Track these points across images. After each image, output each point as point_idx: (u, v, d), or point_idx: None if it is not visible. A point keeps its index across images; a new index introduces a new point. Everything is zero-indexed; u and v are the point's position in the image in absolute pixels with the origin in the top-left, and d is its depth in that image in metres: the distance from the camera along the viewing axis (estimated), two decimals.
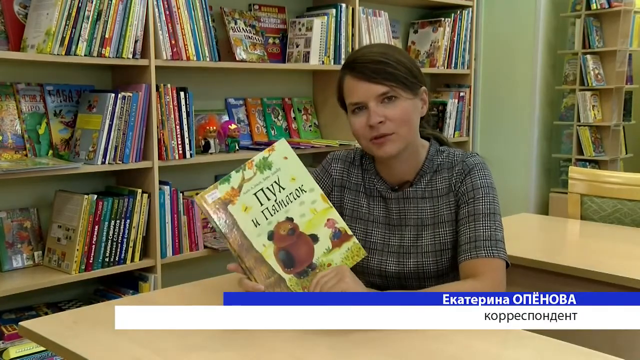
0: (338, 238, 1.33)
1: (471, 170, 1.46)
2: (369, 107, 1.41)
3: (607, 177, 2.38)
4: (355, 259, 1.35)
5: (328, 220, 1.32)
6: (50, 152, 2.43)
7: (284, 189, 1.30)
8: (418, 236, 1.49)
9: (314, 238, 1.31)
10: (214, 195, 1.25)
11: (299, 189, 1.31)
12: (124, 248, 2.45)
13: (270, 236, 1.28)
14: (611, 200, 2.33)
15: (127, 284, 2.57)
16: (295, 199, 1.30)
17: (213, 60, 2.69)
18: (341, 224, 1.34)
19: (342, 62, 3.10)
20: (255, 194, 1.27)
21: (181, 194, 2.67)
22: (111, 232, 2.41)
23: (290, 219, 1.30)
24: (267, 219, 1.28)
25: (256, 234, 1.27)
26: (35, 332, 1.27)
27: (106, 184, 2.63)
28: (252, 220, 1.27)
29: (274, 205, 1.28)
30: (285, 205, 1.29)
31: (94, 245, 2.36)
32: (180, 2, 2.57)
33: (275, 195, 1.29)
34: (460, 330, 1.26)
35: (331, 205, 1.34)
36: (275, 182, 1.29)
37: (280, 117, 3.22)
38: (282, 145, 1.32)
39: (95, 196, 2.36)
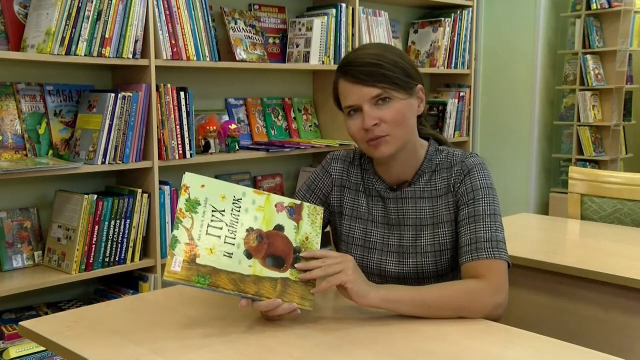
0: (294, 213, 1.34)
1: (470, 171, 1.46)
2: (363, 110, 1.41)
3: (607, 177, 2.38)
4: (318, 217, 1.36)
5: (276, 205, 1.33)
6: (50, 152, 2.43)
7: (223, 211, 1.28)
8: (417, 236, 1.49)
9: (279, 228, 1.32)
10: (178, 262, 1.22)
11: (235, 201, 1.30)
12: (124, 248, 2.45)
13: (248, 255, 1.27)
14: (611, 200, 2.32)
15: (127, 284, 2.57)
16: (239, 211, 1.29)
17: (213, 60, 2.69)
18: (287, 200, 1.35)
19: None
20: (207, 233, 1.26)
21: None
22: (111, 232, 2.41)
23: (250, 229, 1.29)
24: (233, 244, 1.27)
25: (237, 262, 1.26)
26: (35, 332, 1.27)
27: (106, 183, 2.63)
28: (224, 255, 1.25)
29: (229, 230, 1.27)
30: (237, 222, 1.29)
31: (94, 245, 2.36)
32: (180, 2, 2.57)
33: (222, 221, 1.27)
34: (461, 330, 1.26)
35: (267, 193, 1.34)
36: (212, 211, 1.27)
37: (280, 117, 3.23)
38: (191, 179, 1.29)
39: (95, 196, 2.36)
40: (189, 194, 1.27)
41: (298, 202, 1.36)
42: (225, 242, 1.26)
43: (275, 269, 1.28)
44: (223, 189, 1.30)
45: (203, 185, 1.29)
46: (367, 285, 1.31)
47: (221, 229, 1.27)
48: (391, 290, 1.33)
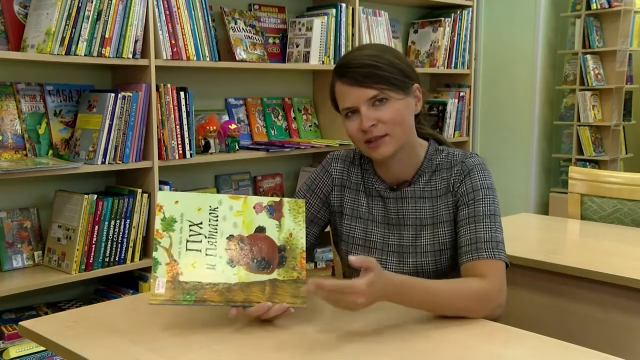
0: (274, 211, 1.32)
1: (471, 171, 1.46)
2: (360, 111, 1.41)
3: (607, 177, 2.38)
4: (300, 210, 1.34)
5: (254, 207, 1.31)
6: (50, 152, 2.43)
7: (201, 223, 1.27)
8: (417, 236, 1.49)
9: (261, 229, 1.30)
10: (161, 283, 1.22)
11: (211, 211, 1.29)
12: (124, 248, 2.45)
13: (231, 263, 1.27)
14: (611, 200, 2.33)
15: (127, 284, 2.57)
16: (217, 220, 1.28)
17: (213, 60, 2.69)
18: (266, 200, 1.32)
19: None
20: (187, 249, 1.25)
21: None
22: (111, 232, 2.41)
23: (230, 237, 1.28)
24: (214, 256, 1.26)
25: (220, 272, 1.25)
26: (35, 332, 1.27)
27: (106, 183, 2.63)
28: (207, 268, 1.25)
29: (208, 241, 1.26)
30: (216, 232, 1.27)
31: (94, 245, 2.36)
32: (180, 2, 2.57)
33: (200, 234, 1.26)
34: (461, 330, 1.26)
35: (244, 196, 1.32)
36: (190, 225, 1.26)
37: (280, 117, 3.22)
38: (165, 197, 1.28)
39: (95, 196, 2.36)
40: (163, 213, 1.26)
41: (277, 199, 1.33)
42: (206, 255, 1.25)
43: (262, 272, 1.27)
44: (198, 202, 1.29)
45: (177, 202, 1.28)
46: (378, 296, 1.23)
47: (200, 242, 1.26)
48: (397, 298, 1.28)
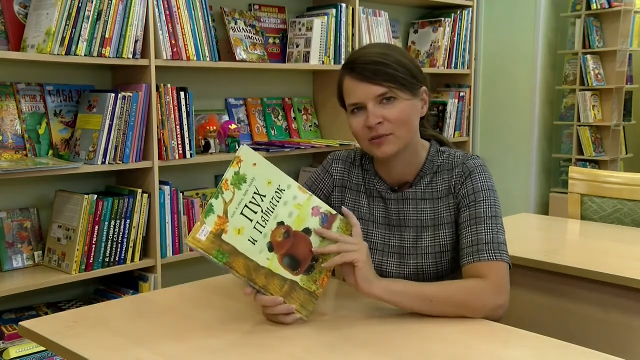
0: (326, 222, 1.33)
1: (471, 173, 1.46)
2: (367, 108, 1.41)
3: (607, 177, 2.38)
4: (347, 233, 1.35)
5: (312, 209, 1.32)
6: (50, 152, 2.43)
7: (264, 196, 1.28)
8: (418, 237, 1.49)
9: (307, 231, 1.31)
10: (205, 231, 1.22)
11: (278, 190, 1.30)
12: (124, 248, 2.45)
13: (270, 247, 1.27)
14: (611, 200, 2.32)
15: (127, 284, 2.57)
16: (278, 202, 1.29)
17: (213, 60, 2.69)
18: (324, 207, 1.34)
19: (343, 62, 3.12)
20: (241, 213, 1.25)
21: (181, 194, 2.67)
22: (111, 232, 2.41)
23: (281, 223, 1.29)
24: (260, 232, 1.27)
25: (257, 251, 1.26)
26: (35, 332, 1.27)
27: (106, 183, 2.63)
28: (249, 240, 1.25)
29: (262, 217, 1.27)
30: (272, 212, 1.28)
31: (94, 245, 2.36)
32: (180, 2, 2.57)
33: (259, 205, 1.27)
34: (461, 330, 1.26)
35: (310, 193, 1.33)
36: (255, 192, 1.27)
37: (280, 117, 3.22)
38: (247, 153, 1.29)
39: (95, 196, 2.36)
40: (239, 168, 1.27)
41: (334, 212, 1.35)
42: (254, 228, 1.26)
43: (289, 270, 1.28)
44: (271, 175, 1.30)
45: (255, 164, 1.29)
46: (373, 274, 1.32)
47: (255, 213, 1.27)
48: (394, 283, 1.35)
